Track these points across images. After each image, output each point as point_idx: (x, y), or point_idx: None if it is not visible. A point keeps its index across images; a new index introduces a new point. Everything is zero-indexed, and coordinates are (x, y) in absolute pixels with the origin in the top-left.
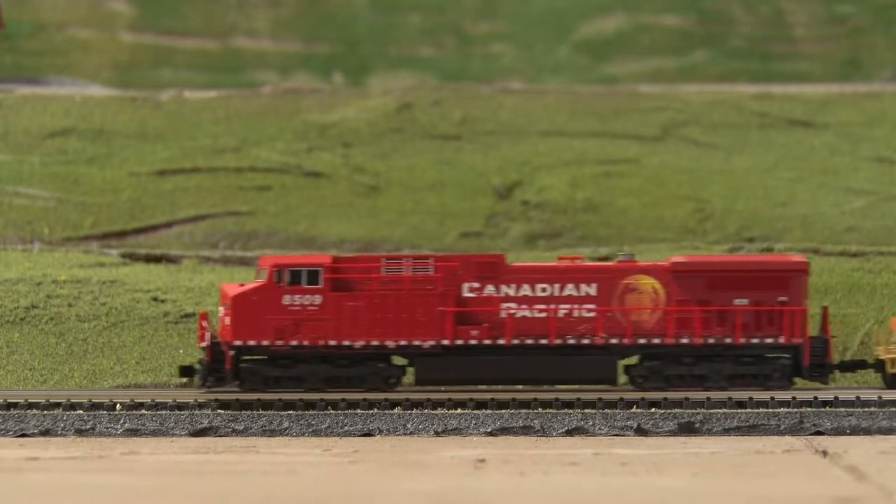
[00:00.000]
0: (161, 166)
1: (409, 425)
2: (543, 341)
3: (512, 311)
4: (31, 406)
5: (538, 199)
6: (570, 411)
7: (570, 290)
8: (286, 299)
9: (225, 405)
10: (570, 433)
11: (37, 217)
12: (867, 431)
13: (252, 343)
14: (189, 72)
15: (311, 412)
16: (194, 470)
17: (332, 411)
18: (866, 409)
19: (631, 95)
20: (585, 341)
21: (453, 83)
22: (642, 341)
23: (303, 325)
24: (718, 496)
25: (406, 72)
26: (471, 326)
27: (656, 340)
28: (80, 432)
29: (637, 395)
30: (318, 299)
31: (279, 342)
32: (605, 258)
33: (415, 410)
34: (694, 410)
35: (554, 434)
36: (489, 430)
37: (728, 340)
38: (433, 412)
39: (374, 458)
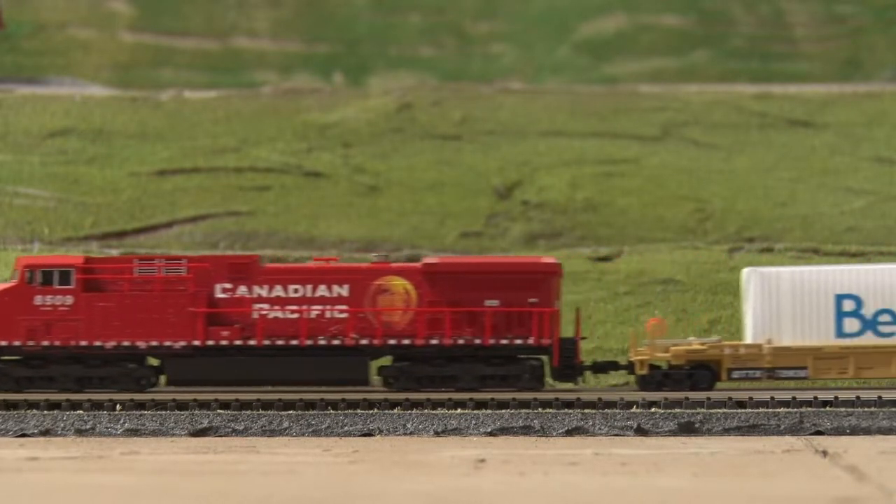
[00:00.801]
0: (161, 166)
1: (409, 425)
2: (294, 342)
3: (264, 312)
4: (31, 406)
5: (538, 199)
6: (570, 411)
7: (322, 291)
8: (38, 300)
9: (225, 405)
10: (570, 433)
11: (37, 217)
12: (867, 431)
13: (4, 344)
14: (189, 72)
15: (311, 412)
16: (194, 470)
17: (332, 411)
18: (866, 409)
19: (631, 95)
20: (336, 342)
21: (453, 83)
22: (393, 342)
23: (54, 326)
24: (718, 496)
25: (406, 72)
26: (222, 327)
27: (406, 341)
28: (80, 432)
29: (637, 395)
30: (69, 300)
31: (31, 343)
32: (605, 258)
33: (415, 410)
34: (694, 410)
35: (554, 434)
36: (489, 430)
37: (478, 341)
38: (433, 412)
39: (374, 458)
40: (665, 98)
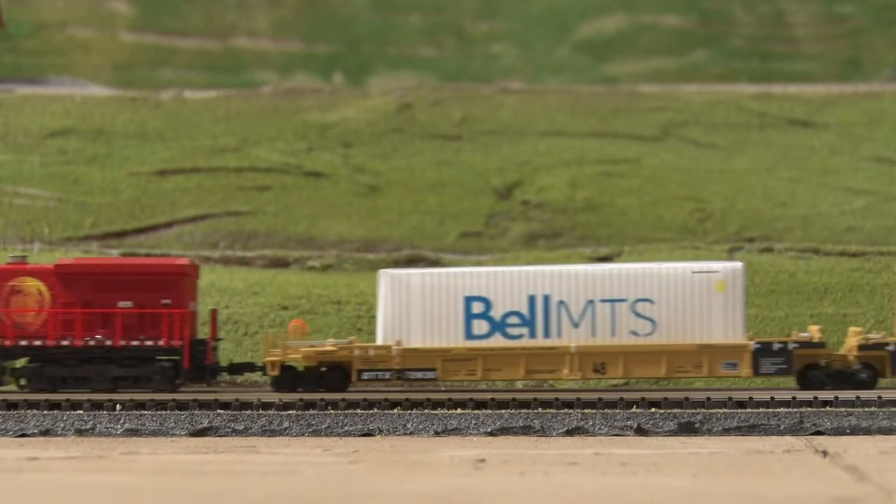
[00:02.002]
0: (161, 166)
1: (409, 425)
2: None
3: None
4: (31, 406)
5: (538, 199)
6: (570, 411)
7: None
8: None
9: (225, 405)
10: (570, 433)
11: (37, 217)
12: (867, 431)
13: None
14: (189, 72)
15: (311, 412)
16: (194, 470)
17: (332, 411)
18: (866, 409)
19: (631, 95)
20: None
21: (453, 83)
22: (24, 343)
23: None
24: (718, 496)
25: (406, 72)
26: None
27: (38, 342)
28: (80, 432)
29: (637, 395)
30: None
31: None
32: (606, 258)
33: (415, 410)
34: (694, 410)
35: (554, 434)
36: (489, 430)
37: (108, 343)
38: (433, 412)
39: (374, 457)
40: (665, 98)
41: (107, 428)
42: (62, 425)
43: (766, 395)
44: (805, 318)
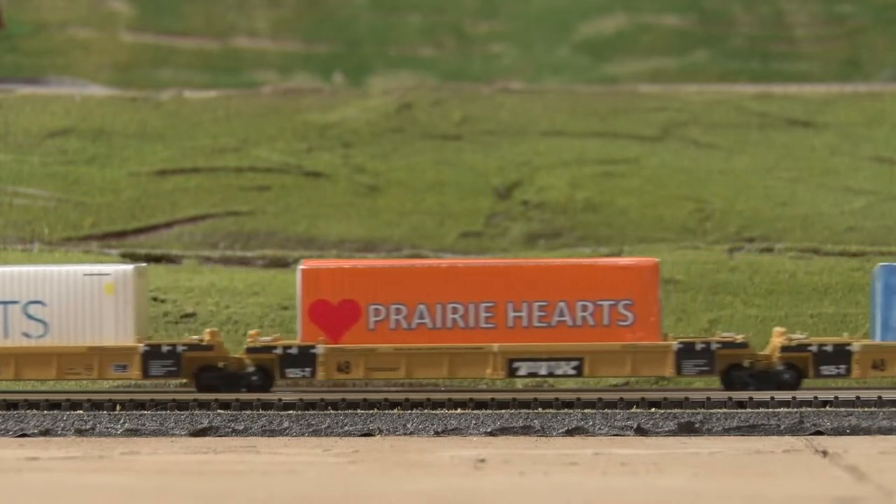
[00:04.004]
0: (161, 166)
1: (409, 425)
2: None
3: None
4: (31, 406)
5: (538, 199)
6: (570, 411)
7: None
8: None
9: (225, 405)
10: (570, 433)
11: (37, 217)
12: (867, 431)
13: None
14: (189, 72)
15: (311, 412)
16: (194, 470)
17: (332, 411)
18: (866, 409)
19: (631, 95)
20: None
21: (453, 83)
22: None
23: None
24: (718, 496)
25: (406, 72)
26: None
27: None
28: (80, 432)
29: (637, 395)
30: None
31: None
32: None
33: (415, 410)
34: (694, 410)
35: (554, 434)
36: (489, 430)
37: None
38: (433, 412)
39: (374, 458)
40: (665, 98)
41: (107, 428)
42: (62, 425)
43: (766, 396)
44: (805, 318)
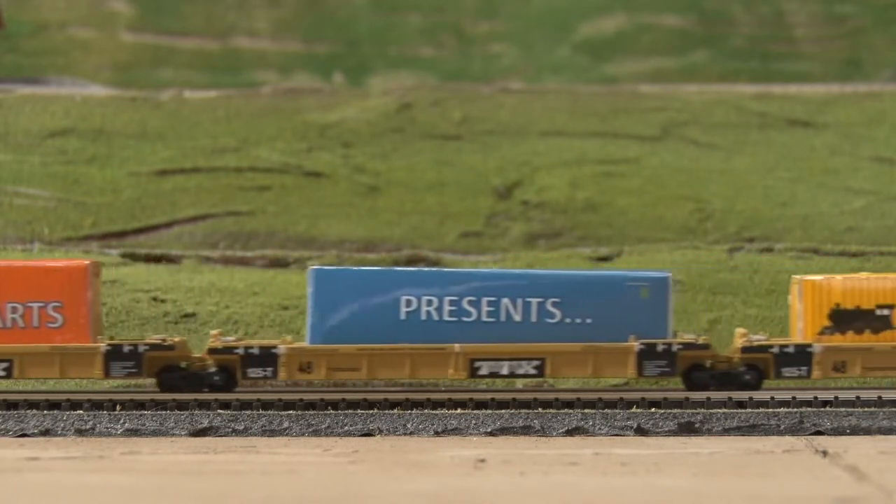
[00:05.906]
0: (161, 166)
1: (409, 425)
2: None
3: None
4: (31, 406)
5: (538, 199)
6: (570, 411)
7: None
8: None
9: (225, 405)
10: (570, 433)
11: (37, 217)
12: (867, 431)
13: None
14: (189, 72)
15: (311, 412)
16: (194, 470)
17: (332, 411)
18: (866, 409)
19: (631, 95)
20: None
21: (453, 83)
22: None
23: None
24: (718, 496)
25: (406, 72)
26: None
27: None
28: (80, 432)
29: (637, 395)
30: None
31: None
32: (606, 258)
33: (415, 410)
34: (694, 410)
35: (554, 434)
36: (489, 430)
37: None
38: (433, 412)
39: (374, 458)
40: (665, 98)
41: (107, 428)
42: (62, 425)
43: (766, 395)
44: None
